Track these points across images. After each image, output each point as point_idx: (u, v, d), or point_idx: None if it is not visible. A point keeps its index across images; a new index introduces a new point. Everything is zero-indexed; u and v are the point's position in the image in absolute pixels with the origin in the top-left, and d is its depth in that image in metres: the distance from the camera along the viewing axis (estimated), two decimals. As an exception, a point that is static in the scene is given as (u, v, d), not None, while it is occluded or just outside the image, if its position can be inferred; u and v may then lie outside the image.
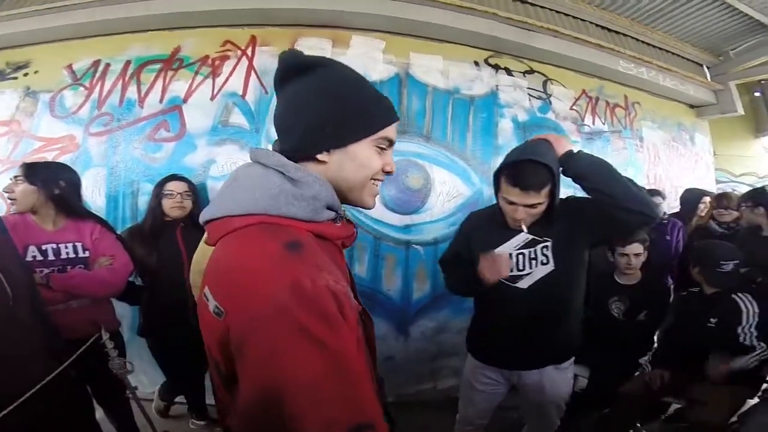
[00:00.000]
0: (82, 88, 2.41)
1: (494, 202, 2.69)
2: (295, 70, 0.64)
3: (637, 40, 3.50)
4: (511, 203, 1.29)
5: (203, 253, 1.22)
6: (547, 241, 1.37)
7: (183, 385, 2.15)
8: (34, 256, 1.51)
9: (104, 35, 2.44)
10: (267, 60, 2.45)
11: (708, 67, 4.04)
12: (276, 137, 0.68)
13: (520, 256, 1.39)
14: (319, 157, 0.63)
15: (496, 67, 2.87)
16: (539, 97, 3.01)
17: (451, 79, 2.71)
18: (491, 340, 1.51)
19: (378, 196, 0.73)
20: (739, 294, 1.87)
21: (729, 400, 1.75)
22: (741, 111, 4.02)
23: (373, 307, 2.50)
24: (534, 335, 1.40)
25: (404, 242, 2.54)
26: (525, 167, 1.24)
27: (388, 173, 0.68)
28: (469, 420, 1.69)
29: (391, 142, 0.67)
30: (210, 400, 2.22)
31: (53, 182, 1.55)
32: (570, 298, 1.43)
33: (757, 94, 5.03)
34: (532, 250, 1.38)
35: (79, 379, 1.21)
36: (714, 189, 3.89)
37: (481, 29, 2.64)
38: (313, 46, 2.49)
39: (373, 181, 0.67)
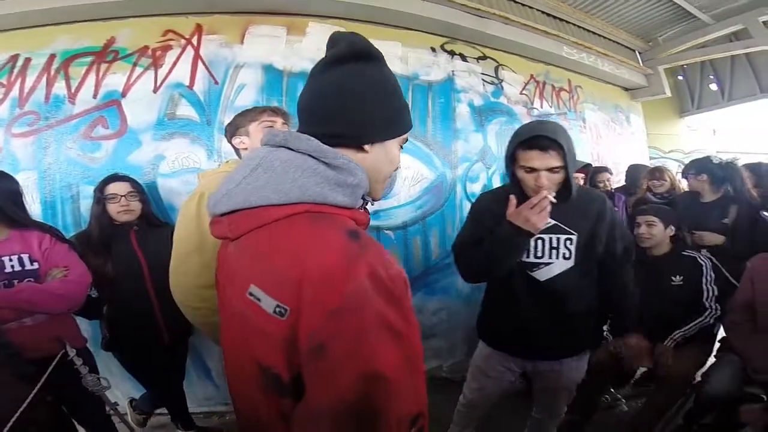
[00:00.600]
0: None
1: (455, 184, 2.82)
2: (356, 55, 0.61)
3: (579, 27, 3.72)
4: (532, 170, 1.23)
5: (191, 249, 1.17)
6: (572, 234, 1.33)
7: (164, 395, 2.03)
8: None
9: (23, 28, 2.16)
10: (215, 49, 2.31)
11: (640, 53, 4.39)
12: (301, 119, 0.65)
13: (540, 241, 1.33)
14: (366, 147, 0.62)
15: (452, 53, 2.94)
16: (492, 82, 3.12)
17: (410, 65, 2.74)
18: (504, 330, 1.46)
19: None
20: (690, 251, 2.01)
21: (690, 357, 1.88)
22: (668, 93, 4.44)
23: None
24: (548, 329, 1.37)
25: (374, 228, 2.55)
26: (540, 135, 1.22)
27: (396, 170, 0.72)
28: (474, 404, 1.67)
29: (405, 141, 0.70)
30: (192, 408, 2.12)
31: None
32: (588, 294, 1.40)
33: (680, 77, 5.57)
34: (554, 237, 1.33)
35: (54, 402, 1.10)
36: (648, 164, 4.26)
37: (438, 15, 2.68)
38: (267, 33, 2.40)
39: (389, 176, 0.70)
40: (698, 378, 1.88)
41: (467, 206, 2.86)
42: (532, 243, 1.33)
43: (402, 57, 2.71)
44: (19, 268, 1.42)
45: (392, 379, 0.51)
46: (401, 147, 0.69)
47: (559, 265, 1.34)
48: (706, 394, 1.74)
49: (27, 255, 1.44)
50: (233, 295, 0.60)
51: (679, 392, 1.87)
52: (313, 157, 0.58)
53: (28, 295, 1.36)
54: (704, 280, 1.93)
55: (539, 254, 1.34)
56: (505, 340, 1.49)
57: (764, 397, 1.77)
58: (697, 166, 2.54)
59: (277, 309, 0.52)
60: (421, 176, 2.69)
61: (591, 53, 3.74)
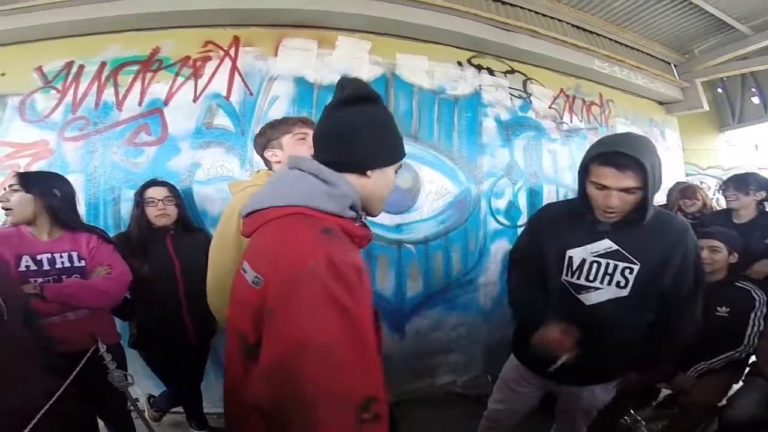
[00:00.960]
0: (54, 91, 2.28)
1: (480, 200, 2.79)
2: (361, 98, 0.77)
3: (611, 39, 3.62)
4: (604, 187, 1.14)
5: (227, 258, 1.21)
6: (634, 263, 1.21)
7: (183, 394, 2.10)
8: (28, 266, 1.44)
9: (77, 36, 2.32)
10: (250, 61, 2.40)
11: (675, 65, 4.22)
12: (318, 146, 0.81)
13: (595, 265, 1.24)
14: (368, 173, 0.78)
15: (479, 67, 2.92)
16: (520, 96, 3.08)
17: (436, 79, 2.74)
18: (539, 349, 1.35)
19: None
20: (745, 283, 1.88)
21: (716, 385, 1.80)
22: (706, 107, 4.22)
23: (367, 308, 2.50)
24: (586, 356, 1.24)
25: (396, 242, 2.56)
26: (619, 152, 1.12)
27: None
28: (497, 419, 1.62)
29: (400, 167, 0.85)
30: (207, 408, 2.18)
31: (49, 192, 1.50)
32: (635, 329, 1.27)
33: (719, 90, 5.31)
34: (612, 263, 1.23)
35: (81, 396, 1.16)
36: (685, 181, 4.08)
37: (465, 30, 2.68)
38: (299, 46, 2.47)
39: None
40: (724, 402, 1.80)
41: (491, 222, 2.84)
42: (586, 265, 1.26)
43: (428, 71, 2.73)
44: (69, 265, 1.52)
45: (334, 350, 0.60)
46: (396, 172, 0.84)
47: (609, 293, 1.25)
48: (729, 418, 1.66)
49: (76, 253, 1.54)
50: (239, 271, 0.75)
51: (701, 419, 1.80)
52: (314, 175, 0.74)
53: (74, 290, 1.45)
54: (753, 314, 1.81)
55: (591, 278, 1.26)
56: (535, 357, 1.38)
57: None
58: (758, 182, 2.36)
59: (255, 279, 0.67)
60: (445, 191, 2.67)
61: (624, 66, 3.63)
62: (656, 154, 1.14)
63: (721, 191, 2.64)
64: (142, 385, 2.19)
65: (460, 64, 2.85)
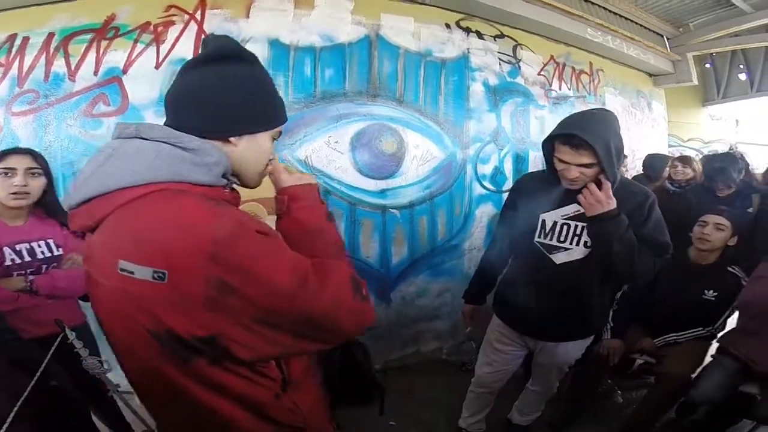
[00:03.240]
0: None
1: (465, 165, 2.68)
2: (224, 56, 0.64)
3: (605, 9, 3.46)
4: (565, 162, 1.21)
5: None
6: None
7: None
8: (13, 260, 1.29)
9: (19, 8, 2.04)
10: (219, 23, 2.16)
11: (668, 38, 4.07)
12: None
13: (565, 227, 1.32)
14: (232, 139, 0.65)
15: (468, 30, 2.73)
16: (509, 62, 2.91)
17: (422, 41, 2.55)
18: (516, 305, 1.46)
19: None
20: (736, 268, 1.81)
21: (685, 355, 1.77)
22: (696, 81, 4.14)
23: (352, 275, 2.39)
24: (554, 311, 1.36)
25: (380, 207, 2.43)
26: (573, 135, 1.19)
27: (270, 161, 0.74)
28: (484, 382, 1.66)
29: (280, 134, 0.74)
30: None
31: (50, 172, 1.36)
32: (600, 287, 1.39)
33: (707, 65, 5.17)
34: (579, 225, 1.29)
35: (61, 382, 1.04)
36: (667, 152, 4.00)
37: (453, -11, 2.47)
38: (273, 7, 2.24)
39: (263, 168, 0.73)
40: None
41: (477, 187, 2.72)
42: (558, 227, 1.32)
43: (414, 33, 2.53)
44: (48, 254, 1.36)
45: (287, 266, 0.56)
46: (274, 139, 0.72)
47: (577, 252, 1.31)
48: (691, 397, 1.65)
49: (52, 240, 1.38)
50: (104, 275, 0.57)
51: (676, 393, 1.75)
52: (168, 143, 0.59)
53: (66, 283, 1.32)
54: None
55: (562, 239, 1.33)
56: (514, 316, 1.50)
57: (758, 396, 1.63)
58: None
59: (155, 275, 0.51)
60: (430, 155, 2.53)
61: (616, 36, 3.46)
62: (612, 130, 1.19)
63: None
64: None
65: (447, 26, 2.65)
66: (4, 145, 1.95)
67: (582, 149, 1.16)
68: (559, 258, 1.33)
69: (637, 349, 1.87)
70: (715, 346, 1.81)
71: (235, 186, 0.73)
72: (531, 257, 1.37)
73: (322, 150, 2.29)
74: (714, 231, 1.77)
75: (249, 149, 0.67)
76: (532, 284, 1.38)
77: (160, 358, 0.56)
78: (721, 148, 5.13)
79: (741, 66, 5.02)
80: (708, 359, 1.78)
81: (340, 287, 0.60)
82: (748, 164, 2.45)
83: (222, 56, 0.64)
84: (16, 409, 0.81)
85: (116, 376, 1.74)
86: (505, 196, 2.87)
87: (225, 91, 0.63)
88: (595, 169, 1.19)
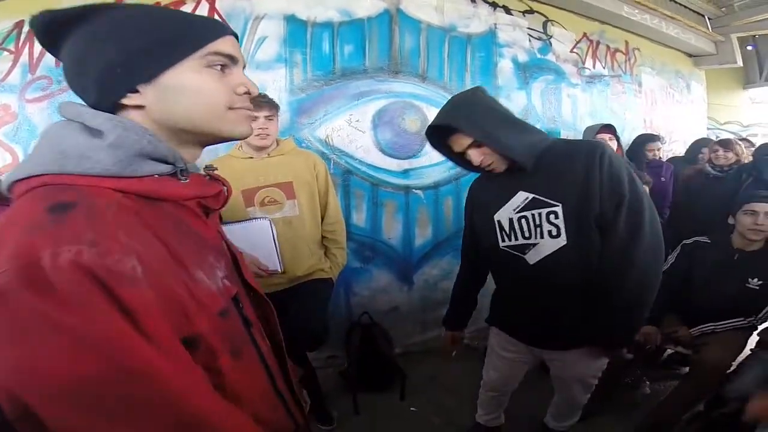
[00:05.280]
0: (6, 53, 1.94)
1: None
2: (59, 27, 0.47)
3: None
4: (461, 153, 1.09)
5: None
6: (554, 205, 1.04)
7: None
8: None
9: None
10: (232, 2, 2.02)
11: (709, 18, 3.72)
12: None
13: (524, 221, 1.10)
14: (124, 101, 0.47)
15: (494, 5, 2.52)
16: (539, 38, 2.68)
17: (446, 15, 2.36)
18: (506, 313, 1.30)
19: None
20: None
21: (727, 343, 1.58)
22: (740, 63, 3.83)
23: (374, 257, 2.24)
24: (541, 316, 1.16)
25: (404, 187, 2.27)
26: (437, 126, 1.10)
27: (248, 94, 0.52)
28: (494, 386, 1.48)
29: (231, 58, 0.51)
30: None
31: None
32: (589, 276, 1.08)
33: (749, 47, 4.73)
34: (535, 213, 1.07)
35: None
36: (706, 135, 3.67)
37: (479, -40, 2.27)
38: (288, -19, 2.10)
39: (232, 108, 0.51)
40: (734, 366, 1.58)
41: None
42: (516, 223, 1.11)
43: (437, 7, 2.34)
44: None
45: (70, 391, 0.35)
46: (221, 66, 0.50)
47: (547, 245, 1.08)
48: (726, 391, 1.43)
49: None
50: None
51: (712, 383, 1.54)
52: (79, 122, 0.45)
53: None
54: None
55: (526, 234, 1.11)
56: (511, 327, 1.31)
57: None
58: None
59: None
60: (456, 135, 2.33)
61: (655, 15, 3.14)
62: (473, 101, 1.05)
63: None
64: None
65: (473, 0, 2.43)
66: (22, 133, 1.92)
67: (457, 132, 1.05)
68: (531, 257, 1.11)
69: (673, 338, 1.69)
70: (755, 338, 1.64)
71: (213, 171, 0.58)
72: (504, 265, 1.19)
73: (343, 129, 2.15)
74: (765, 219, 1.60)
75: (167, 99, 0.48)
76: (514, 292, 1.22)
77: None
78: (761, 131, 4.71)
79: (787, 48, 4.54)
80: (747, 352, 1.61)
81: None
82: None
83: (56, 34, 0.48)
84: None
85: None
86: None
87: (81, 62, 0.47)
88: (486, 147, 1.04)
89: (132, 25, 0.47)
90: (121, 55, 0.46)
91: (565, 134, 2.70)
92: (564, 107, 2.72)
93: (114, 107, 0.48)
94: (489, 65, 2.44)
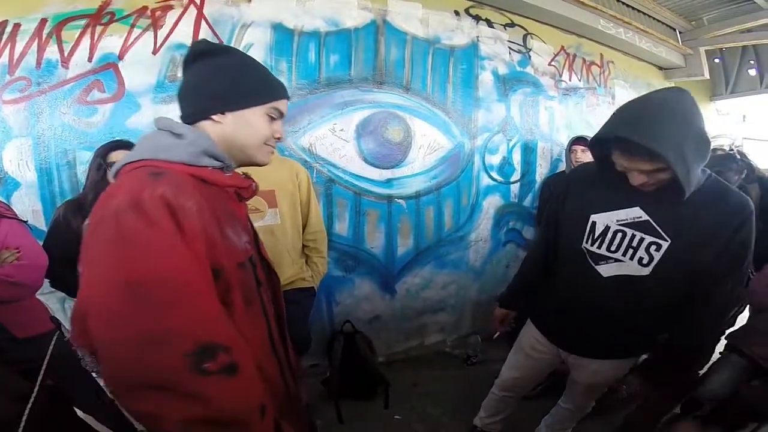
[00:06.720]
0: None
1: (473, 155, 2.50)
2: (202, 53, 0.71)
3: (618, 0, 3.24)
4: (623, 166, 0.95)
5: None
6: (663, 239, 0.96)
7: None
8: None
9: None
10: (219, 8, 1.99)
11: (680, 32, 3.85)
12: None
13: (620, 235, 1.01)
14: (214, 117, 0.70)
15: (477, 18, 2.54)
16: (519, 51, 2.71)
17: (431, 28, 2.37)
18: (555, 316, 1.25)
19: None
20: None
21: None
22: (707, 75, 3.94)
23: (357, 266, 2.23)
24: (592, 327, 1.12)
25: (386, 196, 2.27)
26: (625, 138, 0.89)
27: (278, 140, 0.77)
28: (510, 387, 1.47)
29: (281, 114, 0.76)
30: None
31: None
32: (653, 309, 1.05)
33: (717, 60, 4.89)
34: (638, 235, 0.99)
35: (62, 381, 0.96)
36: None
37: (463, -26, 2.27)
38: (279, -9, 2.06)
39: (266, 144, 0.75)
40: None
41: (484, 178, 2.55)
42: (610, 233, 1.03)
43: (422, 19, 2.35)
44: None
45: (131, 288, 0.49)
46: (273, 117, 0.74)
47: (630, 268, 1.02)
48: (698, 393, 1.51)
49: None
50: None
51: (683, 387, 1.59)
52: (167, 131, 0.67)
53: (22, 276, 1.13)
54: None
55: (613, 248, 1.03)
56: (552, 326, 1.28)
57: None
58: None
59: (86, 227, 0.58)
60: (437, 145, 2.36)
61: (629, 29, 3.22)
62: (685, 125, 0.86)
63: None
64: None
65: (457, 13, 2.46)
66: (-3, 134, 1.83)
67: (637, 156, 0.88)
68: (606, 270, 1.05)
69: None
70: (723, 342, 1.67)
71: (248, 171, 0.78)
72: (574, 264, 1.12)
73: (327, 138, 2.12)
74: None
75: (237, 126, 0.70)
76: (571, 295, 1.16)
77: None
78: (726, 142, 4.89)
79: (752, 62, 4.75)
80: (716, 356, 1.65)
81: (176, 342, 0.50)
82: (749, 164, 2.15)
83: (202, 53, 0.71)
84: (26, 413, 0.77)
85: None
86: (513, 187, 2.74)
87: (210, 77, 0.70)
88: (663, 175, 0.90)
89: (239, 70, 0.71)
90: (228, 90, 0.69)
91: (542, 146, 2.76)
92: (541, 119, 2.77)
93: (196, 119, 0.70)
94: (470, 77, 2.46)
